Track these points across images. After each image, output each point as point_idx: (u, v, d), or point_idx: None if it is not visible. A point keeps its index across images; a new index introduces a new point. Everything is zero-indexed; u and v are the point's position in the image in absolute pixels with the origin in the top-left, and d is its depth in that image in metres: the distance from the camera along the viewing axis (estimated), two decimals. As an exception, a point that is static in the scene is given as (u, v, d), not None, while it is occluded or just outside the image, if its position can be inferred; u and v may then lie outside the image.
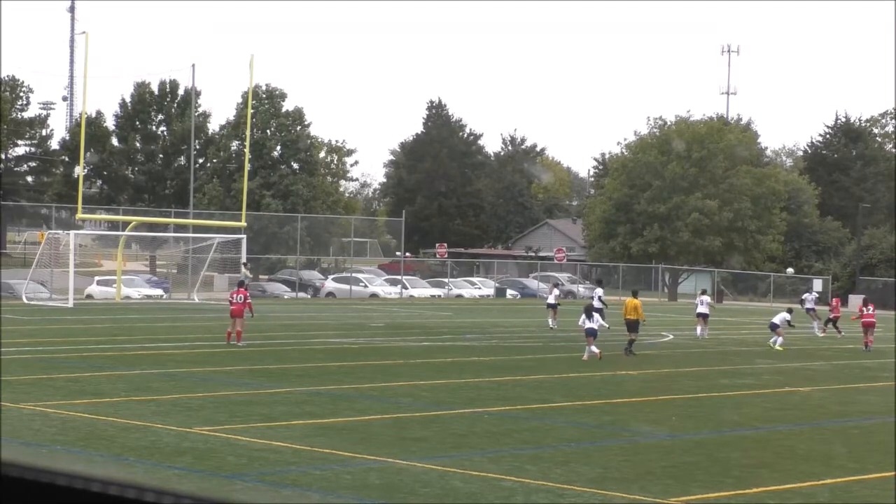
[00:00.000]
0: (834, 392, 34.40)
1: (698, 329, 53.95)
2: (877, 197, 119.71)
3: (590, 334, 40.43)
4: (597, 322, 40.72)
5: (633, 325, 43.52)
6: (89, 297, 73.98)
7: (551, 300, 60.31)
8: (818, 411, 29.85)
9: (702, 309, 54.52)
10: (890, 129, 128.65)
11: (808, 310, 60.80)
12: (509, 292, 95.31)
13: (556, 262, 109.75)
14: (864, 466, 21.33)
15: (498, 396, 29.73)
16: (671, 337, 52.78)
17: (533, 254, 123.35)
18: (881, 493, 19.41)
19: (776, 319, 49.85)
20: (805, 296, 62.85)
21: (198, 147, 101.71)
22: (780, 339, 48.72)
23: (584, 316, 40.88)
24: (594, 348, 40.03)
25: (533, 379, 34.57)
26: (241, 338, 41.65)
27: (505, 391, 31.16)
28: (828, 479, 19.98)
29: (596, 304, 52.29)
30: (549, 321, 58.11)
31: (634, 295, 45.80)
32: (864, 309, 50.95)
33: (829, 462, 21.95)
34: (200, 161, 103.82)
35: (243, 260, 68.80)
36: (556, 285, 65.99)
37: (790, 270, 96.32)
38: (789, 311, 51.36)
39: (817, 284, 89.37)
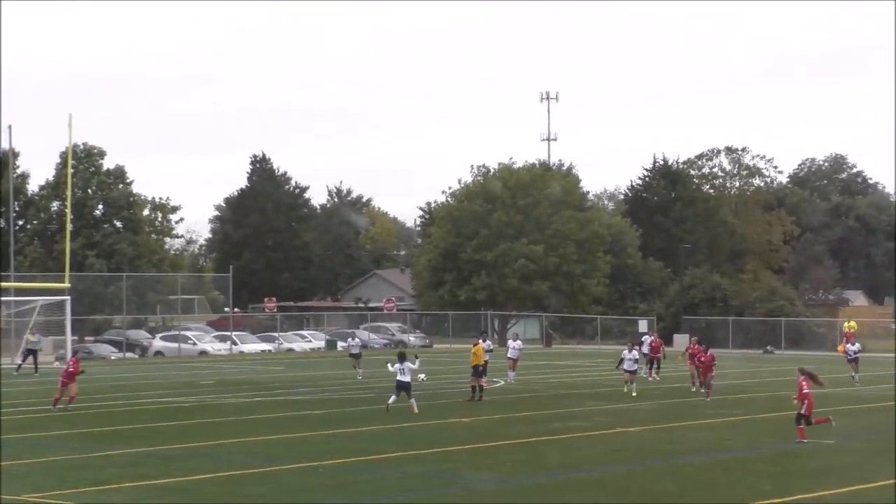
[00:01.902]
0: (664, 431, 34.92)
1: (511, 374, 54.40)
2: (696, 237, 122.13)
3: (401, 387, 39.12)
4: (408, 373, 39.13)
5: (482, 371, 44.43)
6: None
7: (354, 350, 60.83)
8: (649, 451, 30.25)
9: (511, 353, 55.06)
10: (706, 170, 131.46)
11: (645, 354, 58.96)
12: (340, 344, 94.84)
13: (385, 311, 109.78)
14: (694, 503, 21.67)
15: (332, 450, 29.55)
16: (502, 382, 53.04)
17: (363, 304, 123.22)
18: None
19: (630, 365, 48.11)
20: (644, 338, 61.33)
21: (17, 209, 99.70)
22: (634, 385, 47.64)
23: (398, 365, 39.38)
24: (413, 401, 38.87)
25: (367, 430, 34.48)
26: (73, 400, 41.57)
27: (339, 444, 30.99)
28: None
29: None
30: (357, 371, 58.38)
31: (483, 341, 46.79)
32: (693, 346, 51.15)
33: (659, 501, 22.24)
34: (20, 223, 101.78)
35: (30, 327, 67.94)
36: (353, 335, 65.99)
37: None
38: (631, 347, 50.18)
39: (642, 325, 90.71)
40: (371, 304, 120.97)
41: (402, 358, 39.79)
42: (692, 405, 43.32)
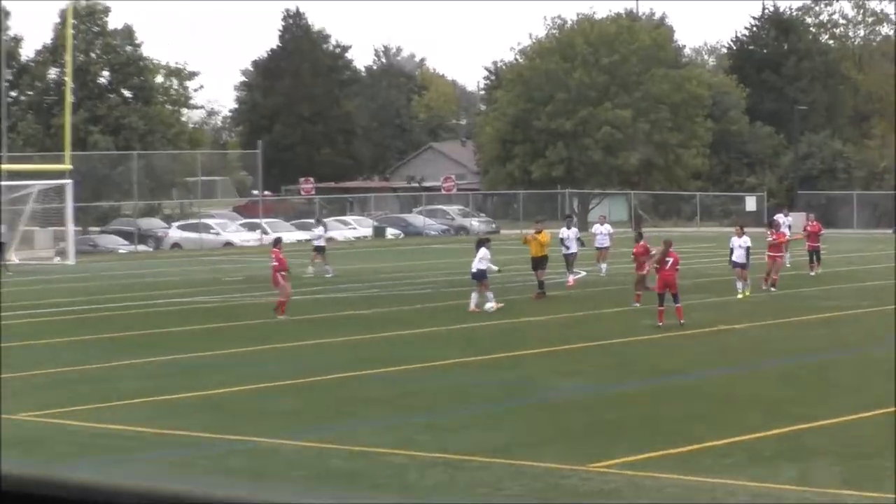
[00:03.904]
0: (774, 328, 34.79)
1: (602, 266, 52.75)
2: (814, 97, 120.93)
3: (477, 278, 39.20)
4: (484, 262, 39.16)
5: (542, 262, 43.47)
6: None
7: (319, 242, 57.86)
8: (756, 351, 30.17)
9: (601, 241, 53.51)
10: (825, 17, 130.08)
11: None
12: (390, 231, 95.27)
13: (444, 192, 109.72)
14: (813, 412, 21.55)
15: (382, 356, 29.63)
16: (583, 273, 52.67)
17: (416, 184, 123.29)
18: (833, 441, 19.61)
19: (740, 256, 42.93)
20: (779, 218, 53.85)
21: (10, 78, 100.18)
22: (743, 285, 43.15)
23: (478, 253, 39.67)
24: (490, 300, 38.60)
25: (423, 332, 34.57)
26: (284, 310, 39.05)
27: (390, 349, 31.10)
28: (773, 429, 20.16)
29: (575, 248, 49.40)
30: (310, 267, 55.58)
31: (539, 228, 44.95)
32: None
33: (772, 409, 22.14)
34: (13, 94, 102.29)
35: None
36: (319, 222, 63.60)
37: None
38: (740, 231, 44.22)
39: (750, 202, 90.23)
40: (426, 184, 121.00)
41: (479, 244, 40.50)
42: (804, 297, 43.13)
